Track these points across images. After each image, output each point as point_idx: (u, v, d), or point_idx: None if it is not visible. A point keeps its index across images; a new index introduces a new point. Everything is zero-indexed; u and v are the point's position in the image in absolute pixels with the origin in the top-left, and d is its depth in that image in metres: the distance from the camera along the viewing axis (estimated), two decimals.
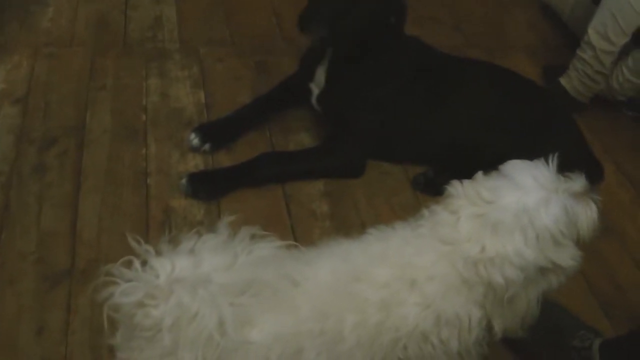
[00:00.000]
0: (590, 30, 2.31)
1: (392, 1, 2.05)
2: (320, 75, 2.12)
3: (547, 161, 1.28)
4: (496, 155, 1.89)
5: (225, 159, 2.08)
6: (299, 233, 1.88)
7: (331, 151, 2.08)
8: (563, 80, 2.44)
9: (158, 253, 1.06)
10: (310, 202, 1.99)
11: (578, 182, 1.28)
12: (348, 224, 1.94)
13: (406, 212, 1.94)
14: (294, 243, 1.21)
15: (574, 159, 2.01)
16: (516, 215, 1.18)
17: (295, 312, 1.12)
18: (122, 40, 2.54)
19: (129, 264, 1.04)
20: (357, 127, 2.07)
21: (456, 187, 1.26)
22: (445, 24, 2.96)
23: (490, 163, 1.66)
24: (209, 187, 1.92)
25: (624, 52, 2.31)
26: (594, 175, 2.10)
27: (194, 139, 2.06)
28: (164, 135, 2.13)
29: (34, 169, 1.97)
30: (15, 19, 2.56)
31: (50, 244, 1.77)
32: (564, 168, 1.98)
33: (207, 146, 2.07)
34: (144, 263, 1.05)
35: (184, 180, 1.92)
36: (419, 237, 1.24)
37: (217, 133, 2.10)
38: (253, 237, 1.12)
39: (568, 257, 1.22)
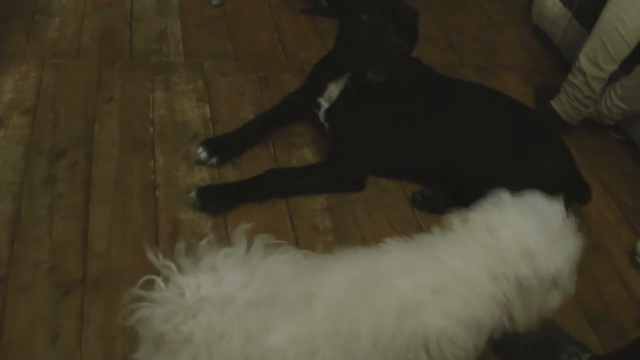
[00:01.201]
0: (581, 57, 2.39)
1: (413, 31, 2.13)
2: (333, 91, 2.19)
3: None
4: (489, 174, 1.99)
5: (230, 173, 2.14)
6: (303, 247, 1.92)
7: (334, 167, 2.14)
8: (554, 103, 2.53)
9: (180, 269, 1.10)
10: (313, 217, 2.05)
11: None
12: (350, 239, 2.00)
13: (404, 227, 2.05)
14: (308, 251, 1.24)
15: (564, 180, 2.11)
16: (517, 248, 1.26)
17: (311, 314, 1.15)
18: (128, 52, 2.58)
19: (150, 283, 1.09)
20: (360, 143, 2.14)
21: (455, 221, 1.33)
22: (439, 42, 3.04)
23: (484, 181, 1.75)
24: (217, 201, 1.99)
25: (613, 78, 2.40)
26: (582, 196, 2.19)
27: (202, 153, 2.12)
28: (171, 148, 2.18)
29: (44, 180, 2.01)
30: (22, 29, 2.59)
31: (62, 254, 1.81)
32: (554, 189, 2.08)
33: (214, 160, 2.13)
34: (166, 279, 1.09)
35: (193, 194, 1.98)
36: (455, 242, 1.30)
37: (223, 147, 2.16)
38: (267, 246, 1.16)
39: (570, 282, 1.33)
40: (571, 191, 2.15)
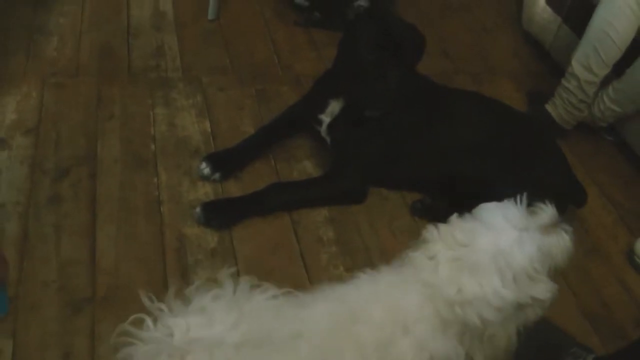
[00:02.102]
0: (574, 62, 2.43)
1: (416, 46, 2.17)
2: (335, 107, 2.21)
3: (528, 195, 1.34)
4: (487, 182, 2.02)
5: (233, 187, 2.16)
6: (308, 259, 1.98)
7: (336, 179, 2.17)
8: (549, 107, 2.57)
9: (171, 310, 1.13)
10: (317, 228, 2.08)
11: (547, 215, 1.32)
12: (353, 249, 2.03)
13: (406, 236, 2.08)
14: (290, 290, 1.27)
15: (561, 185, 2.15)
16: (492, 257, 1.23)
17: (296, 354, 1.15)
18: (127, 69, 2.61)
19: (141, 323, 1.11)
20: (362, 157, 2.18)
21: (432, 232, 1.32)
22: (433, 50, 3.06)
23: (482, 189, 1.78)
24: (221, 216, 2.01)
25: (605, 82, 2.44)
26: (579, 200, 2.23)
27: (205, 169, 2.15)
28: (173, 164, 2.21)
29: (49, 199, 2.03)
30: (21, 49, 2.61)
31: (70, 272, 1.84)
32: (551, 194, 2.11)
33: (217, 175, 2.16)
34: (155, 320, 1.12)
35: (197, 210, 2.01)
36: (405, 282, 1.29)
37: (226, 162, 2.19)
38: (252, 287, 1.20)
39: (544, 290, 1.28)
40: (568, 195, 2.19)
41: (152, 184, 2.13)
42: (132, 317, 1.13)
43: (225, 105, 2.50)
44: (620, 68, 2.39)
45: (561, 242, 1.31)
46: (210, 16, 2.96)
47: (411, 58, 2.14)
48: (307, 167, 2.30)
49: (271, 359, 1.13)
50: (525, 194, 1.33)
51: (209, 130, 2.37)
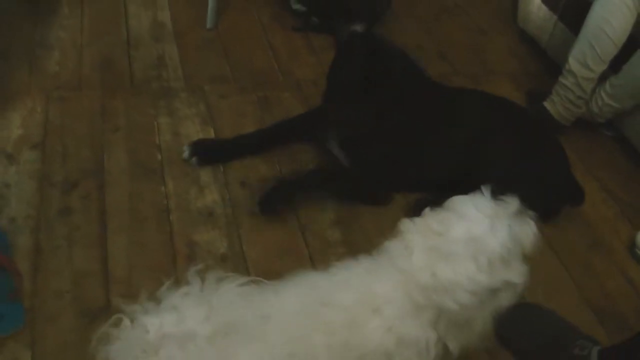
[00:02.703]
0: (571, 59, 2.47)
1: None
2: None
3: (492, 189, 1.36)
4: (490, 177, 2.05)
5: (239, 192, 2.20)
6: (317, 260, 2.01)
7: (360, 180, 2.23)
8: (547, 105, 2.60)
9: (146, 311, 1.19)
10: (324, 230, 2.11)
11: (513, 204, 1.34)
12: (360, 250, 2.02)
13: None
14: (258, 278, 1.31)
15: (561, 183, 2.19)
16: (467, 244, 1.25)
17: (267, 340, 1.19)
18: (129, 80, 2.64)
19: (119, 322, 1.17)
20: (373, 159, 2.22)
21: (408, 224, 1.35)
22: (431, 52, 3.11)
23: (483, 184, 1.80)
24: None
25: (602, 78, 2.48)
26: (576, 199, 2.27)
27: (185, 152, 2.26)
28: (180, 173, 2.23)
29: (59, 212, 2.05)
30: (24, 64, 2.63)
31: (84, 282, 1.86)
32: (551, 192, 2.15)
33: (193, 160, 2.24)
34: (132, 320, 1.18)
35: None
36: (379, 268, 1.32)
37: (208, 150, 2.28)
38: (219, 279, 1.24)
39: (517, 274, 1.30)
40: (566, 194, 2.23)
41: (160, 192, 2.16)
42: (112, 318, 1.19)
43: (228, 113, 2.52)
44: (617, 64, 2.42)
45: (528, 228, 1.34)
46: (208, 25, 3.00)
47: (399, 81, 2.18)
48: (329, 208, 2.25)
49: (241, 346, 1.17)
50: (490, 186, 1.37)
51: (214, 137, 2.40)
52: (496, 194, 1.36)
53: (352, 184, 2.22)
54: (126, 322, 1.18)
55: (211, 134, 2.41)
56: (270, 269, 1.95)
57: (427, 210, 1.38)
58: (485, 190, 1.35)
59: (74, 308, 1.80)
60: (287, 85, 2.71)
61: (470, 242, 1.25)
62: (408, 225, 1.35)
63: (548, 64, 3.01)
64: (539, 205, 2.16)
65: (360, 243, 2.09)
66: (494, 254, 1.26)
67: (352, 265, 1.37)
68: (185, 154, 2.25)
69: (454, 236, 1.27)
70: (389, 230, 2.11)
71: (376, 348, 1.24)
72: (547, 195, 2.19)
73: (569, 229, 2.27)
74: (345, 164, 2.26)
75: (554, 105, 2.58)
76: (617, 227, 2.32)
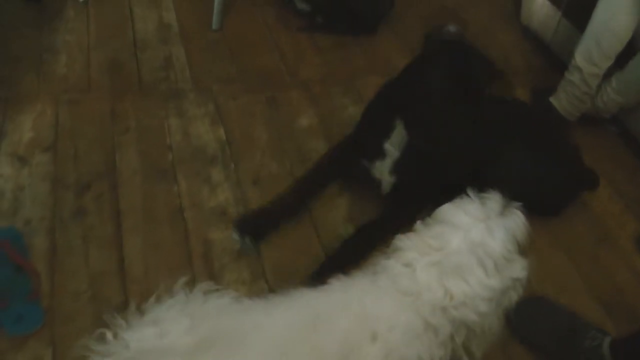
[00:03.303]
0: (576, 55, 2.49)
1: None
2: (391, 151, 2.06)
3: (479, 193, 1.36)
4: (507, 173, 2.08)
5: (252, 191, 2.22)
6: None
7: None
8: (553, 101, 2.63)
9: (128, 325, 1.20)
10: (337, 228, 2.13)
11: (497, 200, 1.34)
12: None
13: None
14: (243, 297, 1.28)
15: (576, 173, 2.21)
16: (470, 253, 1.25)
17: (246, 356, 1.15)
18: (137, 82, 2.65)
19: (103, 337, 1.17)
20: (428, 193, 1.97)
21: (404, 240, 1.32)
22: None
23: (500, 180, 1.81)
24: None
25: (608, 73, 2.50)
26: (592, 184, 2.30)
27: (234, 235, 2.03)
28: (192, 172, 2.25)
29: (74, 213, 2.07)
30: (32, 68, 2.65)
31: (101, 282, 1.89)
32: (567, 182, 2.16)
33: (247, 240, 2.01)
34: (115, 334, 1.19)
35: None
36: (379, 290, 1.27)
37: (257, 227, 2.05)
38: (206, 292, 1.23)
39: (521, 269, 1.31)
40: (581, 182, 2.26)
41: (173, 192, 2.18)
42: (96, 332, 1.19)
43: (237, 113, 2.54)
44: (623, 59, 2.44)
45: (518, 220, 1.34)
46: (214, 26, 3.01)
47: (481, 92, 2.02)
48: (341, 205, 2.25)
49: (219, 355, 1.14)
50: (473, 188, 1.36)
51: (224, 137, 2.42)
52: (503, 193, 1.37)
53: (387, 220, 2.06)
54: (109, 336, 1.18)
55: (221, 134, 2.43)
56: (286, 266, 1.98)
57: (418, 224, 1.36)
58: (471, 193, 1.35)
59: (92, 308, 1.83)
60: (294, 85, 2.73)
61: (474, 249, 1.25)
62: (405, 242, 1.32)
63: (552, 60, 3.03)
64: (552, 200, 2.24)
65: None
66: (498, 255, 1.27)
67: (348, 284, 1.32)
68: (235, 237, 2.01)
69: (454, 248, 1.27)
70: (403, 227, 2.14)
71: None
72: (559, 190, 2.23)
73: (575, 223, 2.30)
74: (384, 190, 2.12)
75: (560, 101, 2.60)
76: (623, 222, 2.35)
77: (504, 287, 1.28)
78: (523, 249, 1.35)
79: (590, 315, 1.95)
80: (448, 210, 1.34)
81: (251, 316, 1.22)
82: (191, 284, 1.28)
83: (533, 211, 2.09)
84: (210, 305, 1.21)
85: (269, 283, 1.94)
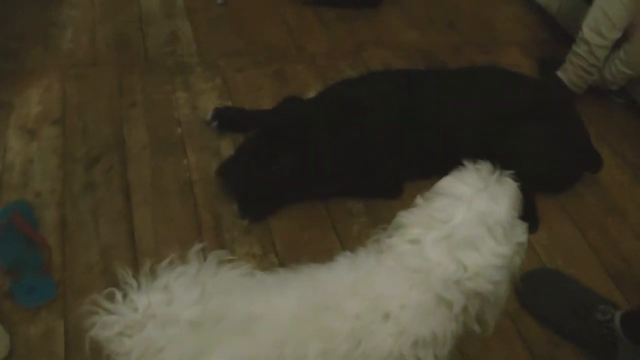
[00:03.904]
0: (584, 27, 2.48)
1: None
2: None
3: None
4: (507, 148, 2.08)
5: None
6: (340, 230, 2.05)
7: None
8: (560, 73, 2.62)
9: (139, 286, 1.17)
10: (345, 201, 2.14)
11: (488, 169, 1.33)
12: (382, 219, 2.06)
13: None
14: (257, 271, 1.25)
15: (580, 151, 2.21)
16: (479, 222, 1.22)
17: (256, 337, 1.13)
18: (144, 56, 2.65)
19: (112, 296, 1.16)
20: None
21: (408, 216, 1.29)
22: (441, 23, 3.12)
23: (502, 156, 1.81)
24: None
25: (616, 45, 2.48)
26: (594, 166, 2.29)
27: (209, 115, 2.32)
28: (201, 146, 2.26)
29: (83, 186, 2.08)
30: (38, 43, 2.65)
31: (112, 255, 1.89)
32: (572, 161, 2.16)
33: (214, 124, 2.30)
34: (124, 295, 1.16)
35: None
36: (388, 270, 1.23)
37: (229, 117, 2.32)
38: (220, 263, 1.20)
39: (522, 232, 1.30)
40: (585, 161, 2.26)
41: (182, 166, 2.18)
42: (105, 291, 1.17)
43: (245, 86, 2.54)
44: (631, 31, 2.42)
45: (512, 185, 1.33)
46: (219, 0, 3.00)
47: None
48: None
49: (225, 339, 1.12)
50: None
51: (240, 108, 2.42)
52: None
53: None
54: (118, 296, 1.16)
55: None
56: (295, 239, 1.99)
57: (418, 199, 1.34)
58: (467, 163, 1.33)
59: (104, 280, 1.83)
60: (301, 59, 2.73)
61: (480, 219, 1.23)
62: (408, 218, 1.30)
63: (558, 32, 3.02)
64: (558, 175, 2.24)
65: (382, 213, 2.11)
66: (505, 222, 1.25)
67: (355, 263, 1.28)
68: (208, 117, 2.30)
69: (460, 219, 1.24)
70: (410, 199, 2.15)
71: (387, 355, 1.17)
72: (566, 165, 2.23)
73: (584, 194, 2.30)
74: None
75: (567, 74, 2.59)
76: (631, 192, 2.35)
77: (513, 253, 1.26)
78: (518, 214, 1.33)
79: (598, 286, 1.95)
80: (448, 183, 1.32)
81: (261, 293, 1.19)
82: (204, 252, 1.25)
83: (539, 188, 2.15)
84: (222, 277, 1.18)
85: (279, 256, 1.95)
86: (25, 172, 2.10)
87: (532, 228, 2.08)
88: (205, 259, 1.22)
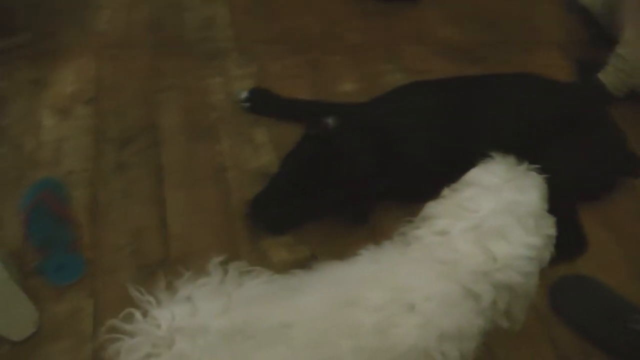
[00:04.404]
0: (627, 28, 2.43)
1: None
2: None
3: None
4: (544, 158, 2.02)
5: None
6: (374, 222, 2.00)
7: None
8: (601, 75, 2.56)
9: (158, 302, 1.14)
10: None
11: (511, 162, 1.33)
12: (415, 213, 2.04)
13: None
14: (278, 276, 1.23)
15: (619, 156, 2.16)
16: (509, 212, 1.21)
17: (290, 344, 1.10)
18: (180, 40, 2.63)
19: (131, 317, 1.12)
20: None
21: (436, 207, 1.28)
22: (481, 22, 3.07)
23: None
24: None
25: None
26: (634, 170, 2.25)
27: (243, 93, 2.31)
28: (234, 132, 2.23)
29: (116, 166, 2.07)
30: (76, 22, 2.65)
31: (142, 237, 1.88)
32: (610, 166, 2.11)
33: (247, 105, 2.29)
34: (144, 312, 1.12)
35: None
36: (414, 262, 1.22)
37: (263, 100, 2.31)
38: (242, 273, 1.18)
39: (550, 225, 1.28)
40: (625, 167, 2.21)
41: (216, 151, 2.16)
42: (122, 313, 1.13)
43: (281, 74, 2.51)
44: None
45: (537, 178, 1.32)
46: None
47: None
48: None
49: (261, 349, 1.09)
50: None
51: (276, 94, 2.39)
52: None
53: None
54: (137, 315, 1.12)
55: None
56: (326, 230, 1.96)
57: (445, 190, 1.32)
58: (496, 156, 1.33)
59: (134, 261, 1.83)
60: (339, 49, 2.68)
61: (509, 209, 1.22)
62: (436, 209, 1.28)
63: (598, 33, 2.95)
64: (596, 191, 2.20)
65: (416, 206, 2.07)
66: (536, 212, 1.24)
67: (378, 257, 1.27)
68: (243, 96, 2.29)
69: (490, 209, 1.22)
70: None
71: (411, 348, 1.14)
72: (603, 180, 2.18)
73: (620, 200, 2.25)
74: None
75: (608, 77, 2.54)
76: None
77: (542, 244, 1.24)
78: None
79: (631, 294, 1.88)
80: (475, 173, 1.31)
81: (287, 298, 1.17)
82: (226, 262, 1.21)
83: (578, 203, 2.11)
84: (245, 287, 1.17)
85: (311, 246, 1.92)
86: (57, 150, 2.10)
87: (580, 249, 2.03)
88: (225, 271, 1.19)
